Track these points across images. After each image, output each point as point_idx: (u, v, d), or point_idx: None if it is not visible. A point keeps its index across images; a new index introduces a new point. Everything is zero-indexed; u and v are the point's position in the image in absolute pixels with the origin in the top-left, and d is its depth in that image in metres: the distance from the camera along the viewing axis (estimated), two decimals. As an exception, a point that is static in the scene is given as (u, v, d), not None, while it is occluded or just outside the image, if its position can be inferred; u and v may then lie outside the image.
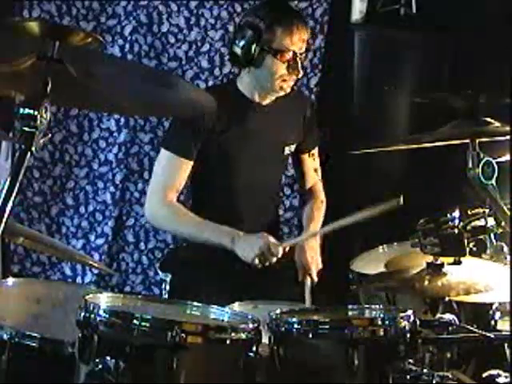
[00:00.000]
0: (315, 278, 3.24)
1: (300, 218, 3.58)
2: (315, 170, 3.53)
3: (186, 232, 3.26)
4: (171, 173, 3.24)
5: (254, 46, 3.17)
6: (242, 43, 3.19)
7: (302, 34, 3.20)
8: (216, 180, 3.30)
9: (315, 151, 3.52)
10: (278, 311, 2.43)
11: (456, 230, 2.71)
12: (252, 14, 3.26)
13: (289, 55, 3.18)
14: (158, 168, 3.30)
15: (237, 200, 3.31)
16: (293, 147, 3.41)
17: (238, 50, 3.20)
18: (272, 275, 3.24)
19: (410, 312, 2.42)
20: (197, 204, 3.36)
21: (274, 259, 3.12)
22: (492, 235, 2.90)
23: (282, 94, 3.28)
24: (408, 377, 2.35)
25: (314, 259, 3.28)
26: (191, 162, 3.24)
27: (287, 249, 3.18)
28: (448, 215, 2.73)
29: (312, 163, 3.51)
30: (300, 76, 3.24)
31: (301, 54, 3.21)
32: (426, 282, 2.70)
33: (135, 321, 2.22)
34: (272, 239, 3.12)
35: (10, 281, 2.80)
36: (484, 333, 2.56)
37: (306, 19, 4.31)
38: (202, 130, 3.21)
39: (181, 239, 3.49)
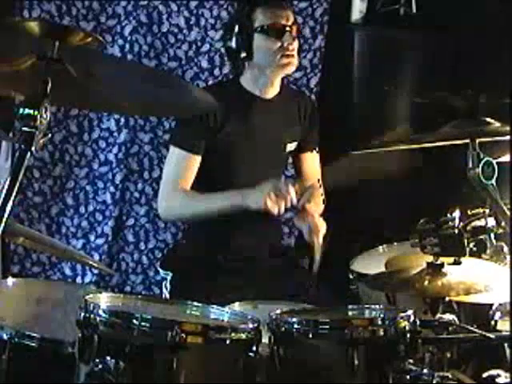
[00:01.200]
0: (322, 232, 3.16)
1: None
2: (315, 172, 3.52)
3: (201, 209, 3.22)
4: (182, 169, 3.25)
5: (242, 37, 3.23)
6: (232, 38, 3.24)
7: (282, 8, 3.26)
8: (216, 176, 3.31)
9: (316, 150, 3.51)
10: (278, 311, 2.43)
11: (456, 230, 2.71)
12: (233, 12, 3.47)
13: (275, 27, 3.21)
14: (168, 166, 3.31)
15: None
16: (294, 145, 3.41)
17: (230, 45, 3.26)
18: (272, 275, 3.24)
19: (410, 312, 2.42)
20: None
21: (289, 199, 3.05)
22: (492, 235, 2.91)
23: (288, 71, 3.27)
24: (408, 377, 2.35)
25: (318, 218, 3.20)
26: (199, 158, 3.25)
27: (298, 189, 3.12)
28: (448, 215, 2.73)
29: (312, 162, 3.51)
30: (296, 46, 3.24)
31: (290, 25, 3.23)
32: (426, 282, 2.70)
33: (135, 321, 2.22)
34: (281, 181, 3.11)
35: (10, 281, 2.81)
36: (484, 333, 2.56)
37: (306, 19, 4.34)
38: (207, 127, 3.22)
39: (180, 237, 3.49)
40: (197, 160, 3.25)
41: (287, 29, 3.22)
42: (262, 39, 3.22)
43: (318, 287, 3.31)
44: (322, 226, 3.20)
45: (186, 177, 3.25)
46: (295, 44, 3.24)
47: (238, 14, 3.32)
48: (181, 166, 3.25)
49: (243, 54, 3.24)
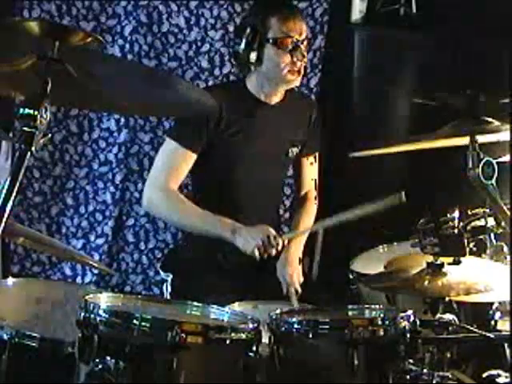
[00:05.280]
0: (299, 290, 3.19)
1: (291, 222, 3.57)
2: (312, 177, 3.52)
3: (186, 221, 3.25)
4: (174, 162, 3.24)
5: (253, 42, 3.20)
6: (242, 43, 3.22)
7: (298, 21, 3.23)
8: (218, 178, 3.30)
9: (315, 156, 3.51)
10: (277, 311, 2.43)
11: (456, 230, 2.71)
12: (247, 14, 3.38)
13: (288, 42, 3.19)
14: (160, 156, 3.29)
15: (237, 199, 3.31)
16: (297, 149, 3.41)
17: (240, 50, 3.23)
18: (272, 275, 3.24)
19: (409, 312, 2.42)
20: (198, 201, 3.36)
21: (274, 251, 3.11)
22: (492, 235, 2.91)
23: (293, 85, 3.28)
24: (408, 377, 2.35)
25: (294, 273, 3.24)
26: (194, 155, 3.24)
27: (286, 242, 3.19)
28: (448, 215, 2.73)
29: (310, 168, 3.51)
30: (305, 61, 3.24)
31: (302, 40, 3.21)
32: (426, 282, 2.70)
33: (135, 321, 2.22)
34: (272, 231, 3.12)
35: (10, 281, 2.81)
36: (484, 333, 2.56)
37: (306, 19, 4.34)
38: (210, 126, 3.22)
39: (180, 238, 3.49)
40: (191, 157, 3.23)
41: (299, 44, 3.20)
42: (273, 51, 3.19)
43: (318, 287, 3.32)
44: (297, 282, 3.22)
45: (177, 172, 3.23)
46: (304, 60, 3.24)
47: (252, 17, 3.27)
48: (174, 160, 3.23)
49: (252, 60, 3.22)
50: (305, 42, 3.23)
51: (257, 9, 3.32)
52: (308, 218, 3.48)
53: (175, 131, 3.32)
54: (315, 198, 3.53)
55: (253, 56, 3.21)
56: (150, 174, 3.31)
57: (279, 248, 3.12)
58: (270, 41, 3.19)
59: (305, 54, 3.22)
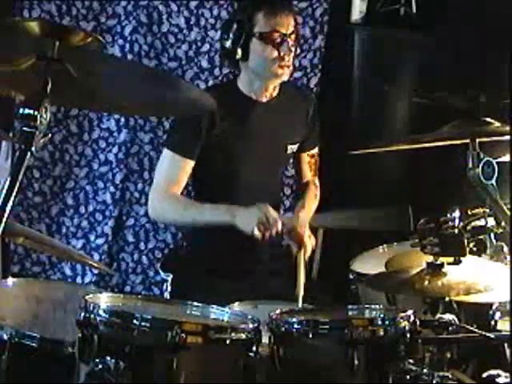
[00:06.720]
0: (308, 251, 3.18)
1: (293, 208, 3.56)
2: (313, 170, 3.52)
3: (188, 217, 3.24)
4: (173, 172, 3.25)
5: (240, 37, 3.20)
6: (229, 38, 3.22)
7: (285, 16, 3.22)
8: (217, 179, 3.31)
9: (315, 151, 3.51)
10: (277, 311, 2.43)
11: (456, 230, 2.71)
12: (235, 10, 3.43)
13: (275, 36, 3.19)
14: (160, 167, 3.32)
15: (237, 199, 3.31)
16: (295, 146, 3.41)
17: (227, 45, 3.23)
18: (272, 275, 3.24)
19: (410, 312, 2.42)
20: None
21: (274, 230, 3.08)
22: (492, 235, 2.91)
23: (282, 80, 3.26)
24: (408, 377, 2.35)
25: (305, 235, 3.19)
26: (193, 162, 3.25)
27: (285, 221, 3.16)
28: (448, 215, 2.73)
29: (310, 163, 3.51)
30: (292, 55, 3.22)
31: (289, 34, 3.21)
32: (426, 282, 2.70)
33: (135, 321, 2.22)
34: (270, 208, 3.10)
35: (10, 281, 2.81)
36: (484, 333, 2.56)
37: (306, 19, 4.34)
38: (204, 130, 3.22)
39: (180, 238, 3.49)
40: (189, 164, 3.25)
41: (286, 38, 3.19)
42: (259, 45, 3.19)
43: (318, 287, 3.31)
44: (310, 245, 3.20)
45: (177, 181, 3.25)
46: (292, 54, 3.23)
47: (239, 13, 3.28)
48: (173, 170, 3.25)
49: (238, 55, 3.23)
50: (292, 36, 3.22)
51: (244, 4, 3.31)
52: (312, 199, 3.47)
53: (171, 141, 3.33)
54: (316, 186, 3.52)
55: (239, 51, 3.21)
56: (152, 185, 3.35)
57: (279, 227, 3.10)
58: (257, 35, 3.19)
59: (292, 48, 3.21)
